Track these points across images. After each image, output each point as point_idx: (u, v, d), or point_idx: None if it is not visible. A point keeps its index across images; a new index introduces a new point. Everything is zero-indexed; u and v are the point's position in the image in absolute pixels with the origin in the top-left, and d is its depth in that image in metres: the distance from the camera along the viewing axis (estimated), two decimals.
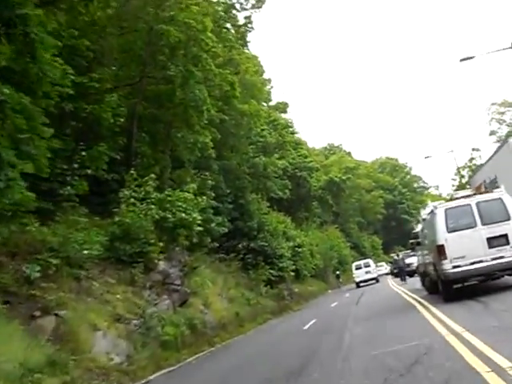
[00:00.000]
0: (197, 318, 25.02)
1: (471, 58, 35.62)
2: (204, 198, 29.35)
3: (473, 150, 62.32)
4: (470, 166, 60.96)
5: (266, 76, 75.91)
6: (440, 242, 18.32)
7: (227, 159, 48.10)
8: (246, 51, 57.23)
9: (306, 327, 23.74)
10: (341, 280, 72.06)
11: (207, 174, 39.20)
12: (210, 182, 38.86)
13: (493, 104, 60.17)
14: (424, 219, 23.67)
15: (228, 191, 46.79)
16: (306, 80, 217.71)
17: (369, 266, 64.55)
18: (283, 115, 75.60)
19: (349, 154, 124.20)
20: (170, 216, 27.18)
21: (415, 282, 37.88)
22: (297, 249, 54.53)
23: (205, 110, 33.48)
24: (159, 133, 34.28)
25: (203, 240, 38.15)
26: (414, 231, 33.20)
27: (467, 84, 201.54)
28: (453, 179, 64.47)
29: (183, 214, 27.23)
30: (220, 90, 40.01)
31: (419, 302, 21.23)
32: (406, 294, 28.54)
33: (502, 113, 57.72)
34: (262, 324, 34.31)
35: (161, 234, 27.37)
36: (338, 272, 72.95)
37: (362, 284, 61.33)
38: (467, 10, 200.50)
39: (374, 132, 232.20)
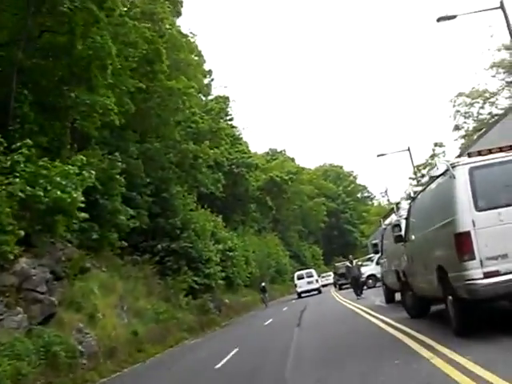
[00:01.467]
0: (63, 342, 16.68)
1: (452, 17, 26.93)
2: (92, 172, 20.96)
3: (435, 145, 54.93)
4: (431, 164, 53.82)
5: (206, 67, 68.62)
6: (462, 229, 9.93)
7: (150, 144, 40.12)
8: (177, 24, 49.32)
9: (221, 363, 15.54)
10: (266, 295, 55.29)
11: (117, 154, 31.18)
12: (119, 164, 30.85)
13: (459, 95, 53.11)
14: (414, 196, 14.97)
15: (148, 181, 38.82)
16: (249, 82, 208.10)
17: (312, 276, 61.74)
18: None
19: (292, 159, 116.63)
20: (41, 194, 19.06)
21: (368, 295, 30.75)
22: (228, 253, 46.53)
23: (109, 64, 25.46)
24: (48, 92, 25.98)
25: (107, 236, 30.27)
26: (385, 224, 25.44)
27: (418, 84, 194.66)
28: (413, 177, 56.38)
29: (58, 192, 19.10)
30: (136, 51, 32.05)
31: (406, 334, 12.62)
32: (369, 313, 20.27)
33: (471, 104, 51.02)
34: (173, 347, 26.29)
35: (30, 219, 19.41)
36: (263, 284, 55.56)
37: (304, 295, 58.35)
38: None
39: (319, 138, 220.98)
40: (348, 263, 35.03)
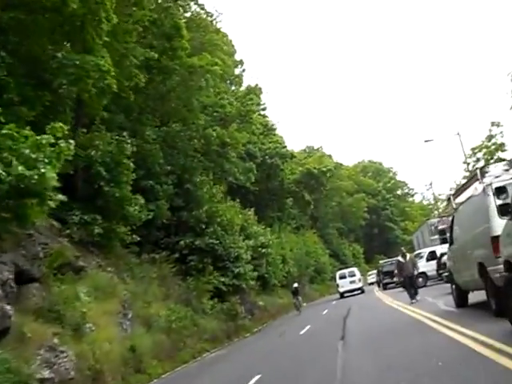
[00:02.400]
0: (11, 370, 11.57)
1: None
2: (71, 142, 15.79)
3: (492, 124, 48.46)
4: (487, 147, 47.75)
5: (237, 58, 63.79)
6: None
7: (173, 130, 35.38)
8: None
9: None
10: (300, 298, 44.57)
11: (125, 134, 26.31)
12: (128, 146, 25.96)
13: None
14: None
15: (169, 169, 34.00)
16: (285, 79, 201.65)
17: (354, 275, 58.06)
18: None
19: (330, 156, 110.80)
20: (1, 171, 14.16)
21: (422, 296, 25.49)
22: (260, 249, 41.16)
23: (104, 18, 20.50)
24: (33, 56, 21.10)
25: (114, 230, 25.35)
26: (456, 202, 19.37)
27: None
28: (465, 163, 50.13)
29: (20, 168, 14.14)
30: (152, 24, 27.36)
31: None
32: (441, 323, 14.20)
33: None
34: (188, 362, 21.24)
35: None
36: (295, 285, 45.47)
37: (346, 294, 55.48)
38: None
39: (357, 135, 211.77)
40: (400, 257, 28.56)
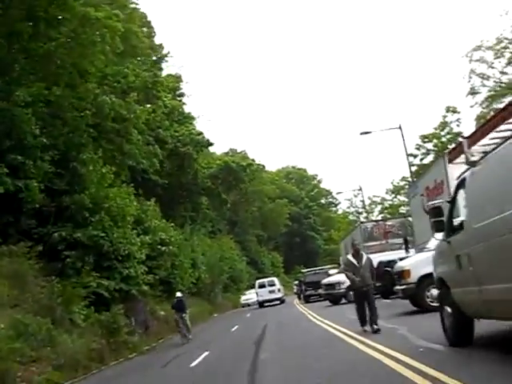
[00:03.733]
0: None
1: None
2: None
3: (447, 110, 41.98)
4: (439, 137, 41.29)
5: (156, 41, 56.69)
6: None
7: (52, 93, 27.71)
8: None
9: None
10: (185, 317, 27.76)
11: None
12: None
13: (477, 48, 40.32)
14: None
15: (48, 143, 26.49)
16: (209, 78, 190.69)
17: (274, 284, 56.04)
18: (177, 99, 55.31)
19: (252, 160, 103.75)
20: None
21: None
22: (160, 247, 33.39)
23: None
24: None
25: None
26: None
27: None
28: (411, 155, 43.56)
29: None
30: None
31: None
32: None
33: (490, 63, 38.63)
34: None
35: None
36: (178, 294, 29.01)
37: (266, 304, 53.45)
38: None
39: (282, 140, 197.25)
40: (351, 257, 15.89)
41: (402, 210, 53.75)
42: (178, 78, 59.20)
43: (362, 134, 39.95)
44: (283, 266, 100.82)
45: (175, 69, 62.63)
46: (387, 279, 29.31)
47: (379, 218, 44.66)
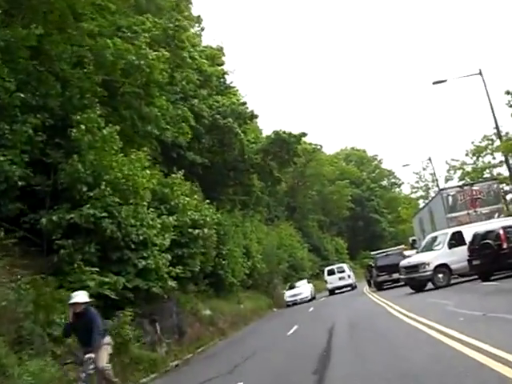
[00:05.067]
0: None
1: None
2: None
3: (507, 93, 33.72)
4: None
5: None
6: None
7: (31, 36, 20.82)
8: None
9: None
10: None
11: None
12: None
13: None
14: None
15: (37, 104, 19.87)
16: (262, 60, 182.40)
17: (343, 271, 53.81)
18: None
19: (309, 144, 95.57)
20: None
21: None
22: (192, 230, 25.43)
23: None
24: None
25: None
26: None
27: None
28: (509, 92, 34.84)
29: None
30: None
31: None
32: None
33: None
34: None
35: None
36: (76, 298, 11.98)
37: (337, 291, 51.84)
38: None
39: (339, 121, 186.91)
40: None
41: (487, 174, 45.23)
42: (218, 51, 52.09)
43: (434, 83, 32.26)
44: (348, 251, 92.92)
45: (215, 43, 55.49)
46: (488, 255, 21.89)
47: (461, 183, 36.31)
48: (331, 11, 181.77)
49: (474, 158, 46.71)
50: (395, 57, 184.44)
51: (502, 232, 22.28)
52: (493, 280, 22.73)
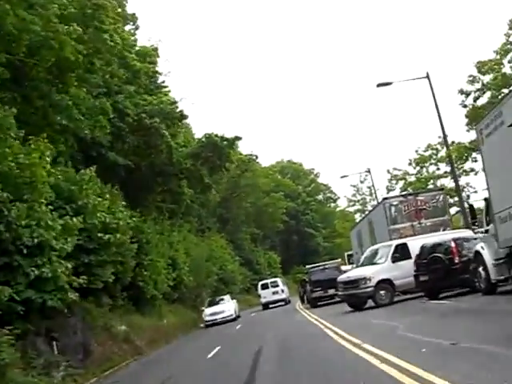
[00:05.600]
0: None
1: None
2: None
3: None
4: (497, 63, 30.31)
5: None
6: None
7: None
8: None
9: None
10: None
11: None
12: None
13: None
14: None
15: None
16: (199, 62, 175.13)
17: (277, 285, 53.53)
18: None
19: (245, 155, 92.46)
20: None
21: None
22: (102, 235, 21.82)
23: None
24: None
25: None
26: None
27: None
28: (463, 92, 32.61)
29: None
30: None
31: None
32: None
33: None
34: None
35: None
36: None
37: (270, 306, 50.90)
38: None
39: (276, 134, 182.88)
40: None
41: (431, 185, 42.84)
42: (153, 51, 48.83)
43: (379, 85, 29.82)
44: (281, 266, 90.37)
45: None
46: (438, 270, 19.39)
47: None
48: (264, 12, 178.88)
49: (418, 167, 44.46)
50: (335, 63, 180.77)
51: (453, 245, 19.77)
52: (441, 298, 20.21)
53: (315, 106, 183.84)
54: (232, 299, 43.54)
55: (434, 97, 28.90)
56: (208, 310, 40.64)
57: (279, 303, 51.20)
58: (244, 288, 70.52)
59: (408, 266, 22.03)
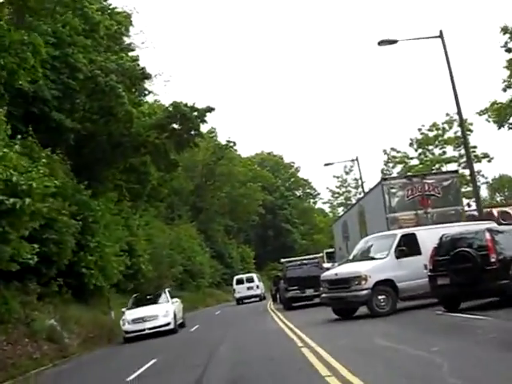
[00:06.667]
0: None
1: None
2: None
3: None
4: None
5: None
6: None
7: None
8: None
9: None
10: None
11: None
12: None
13: None
14: None
15: None
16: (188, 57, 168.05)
17: (252, 280, 53.02)
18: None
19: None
20: None
21: None
22: (5, 200, 15.21)
23: None
24: None
25: None
26: None
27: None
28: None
29: None
30: None
31: None
32: None
33: None
34: None
35: None
36: None
37: (245, 301, 50.21)
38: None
39: (255, 124, 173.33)
40: None
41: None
42: (125, 17, 42.97)
43: (381, 43, 23.90)
44: (255, 261, 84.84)
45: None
46: (466, 271, 13.79)
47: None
48: None
49: (420, 150, 38.38)
50: (322, 29, 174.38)
51: (488, 236, 14.02)
52: (461, 310, 14.60)
53: (299, 96, 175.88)
54: (172, 298, 27.29)
55: (447, 60, 23.30)
56: (130, 314, 24.65)
57: (253, 299, 50.32)
58: (213, 282, 65.10)
59: (416, 263, 16.43)
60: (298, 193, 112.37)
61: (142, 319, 23.97)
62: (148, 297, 27.79)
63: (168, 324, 24.17)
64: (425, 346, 9.46)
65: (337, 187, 76.47)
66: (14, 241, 16.22)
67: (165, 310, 24.77)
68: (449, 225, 18.11)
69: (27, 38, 19.89)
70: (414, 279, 16.42)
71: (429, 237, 16.77)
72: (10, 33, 19.31)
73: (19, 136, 20.25)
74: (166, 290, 28.46)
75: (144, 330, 23.57)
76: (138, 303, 26.33)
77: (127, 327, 24.09)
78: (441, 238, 15.35)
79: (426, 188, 22.22)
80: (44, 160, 18.19)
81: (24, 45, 19.70)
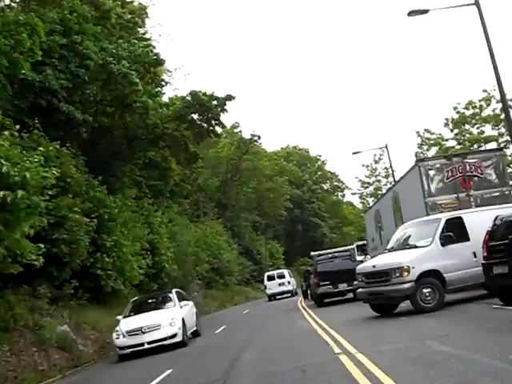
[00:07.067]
0: None
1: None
2: None
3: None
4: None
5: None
6: None
7: None
8: None
9: None
10: None
11: None
12: None
13: None
14: None
15: None
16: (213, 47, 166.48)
17: (283, 276, 52.35)
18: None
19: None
20: None
21: None
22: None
23: None
24: None
25: None
26: None
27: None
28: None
29: None
30: None
31: None
32: None
33: None
34: None
35: None
36: None
37: (277, 297, 50.43)
38: None
39: (281, 119, 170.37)
40: None
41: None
42: (140, 9, 41.36)
43: (410, 13, 21.92)
44: (284, 257, 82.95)
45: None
46: None
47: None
48: None
49: (456, 130, 35.91)
50: (343, 38, 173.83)
51: None
52: None
53: (324, 86, 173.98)
54: (182, 300, 21.88)
55: (485, 31, 21.09)
56: (125, 324, 19.75)
57: (285, 295, 49.93)
58: (242, 279, 63.38)
59: (465, 251, 14.35)
60: (326, 186, 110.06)
61: (141, 330, 18.86)
62: (150, 300, 22.83)
63: (174, 336, 18.94)
64: (496, 351, 7.42)
65: (366, 176, 72.67)
66: (13, 240, 14.42)
67: (170, 318, 19.42)
68: (498, 206, 15.98)
69: (22, 19, 18.03)
70: (463, 269, 14.34)
71: (477, 220, 14.69)
72: (2, 15, 17.47)
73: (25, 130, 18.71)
74: (174, 290, 22.98)
75: (143, 344, 18.55)
76: (138, 309, 21.24)
77: (121, 341, 18.93)
78: (494, 221, 13.24)
79: (468, 168, 19.99)
80: (41, 148, 16.28)
81: (20, 26, 17.85)
